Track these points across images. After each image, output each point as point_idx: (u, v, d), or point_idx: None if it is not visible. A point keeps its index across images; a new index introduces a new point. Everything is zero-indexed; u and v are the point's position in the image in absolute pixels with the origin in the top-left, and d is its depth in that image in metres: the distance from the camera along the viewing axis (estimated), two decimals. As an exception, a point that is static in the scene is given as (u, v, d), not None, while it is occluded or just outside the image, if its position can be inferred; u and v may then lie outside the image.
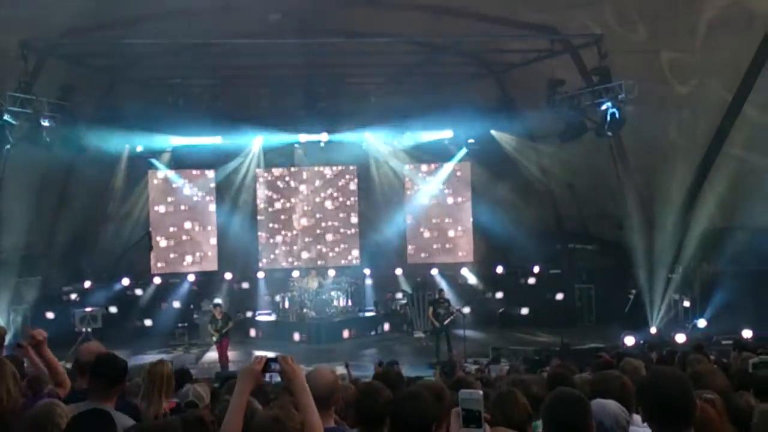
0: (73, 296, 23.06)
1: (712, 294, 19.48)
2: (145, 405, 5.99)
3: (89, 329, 21.29)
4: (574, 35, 20.11)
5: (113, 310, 23.30)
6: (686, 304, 20.83)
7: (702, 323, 19.14)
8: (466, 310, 22.93)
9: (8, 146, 18.75)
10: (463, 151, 25.89)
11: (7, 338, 6.36)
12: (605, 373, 5.49)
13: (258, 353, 19.40)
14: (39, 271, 23.10)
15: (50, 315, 22.02)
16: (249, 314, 24.59)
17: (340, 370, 12.88)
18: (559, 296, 24.92)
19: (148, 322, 23.78)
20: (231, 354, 19.82)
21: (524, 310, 25.01)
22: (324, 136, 25.09)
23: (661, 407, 3.52)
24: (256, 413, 3.90)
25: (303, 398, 4.12)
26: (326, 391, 4.53)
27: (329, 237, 26.59)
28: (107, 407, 4.72)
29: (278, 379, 4.33)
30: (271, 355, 4.28)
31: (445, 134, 25.60)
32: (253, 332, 23.74)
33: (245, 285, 25.55)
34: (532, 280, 25.51)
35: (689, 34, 17.16)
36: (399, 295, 25.46)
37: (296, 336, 22.79)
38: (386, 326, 24.39)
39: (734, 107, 17.31)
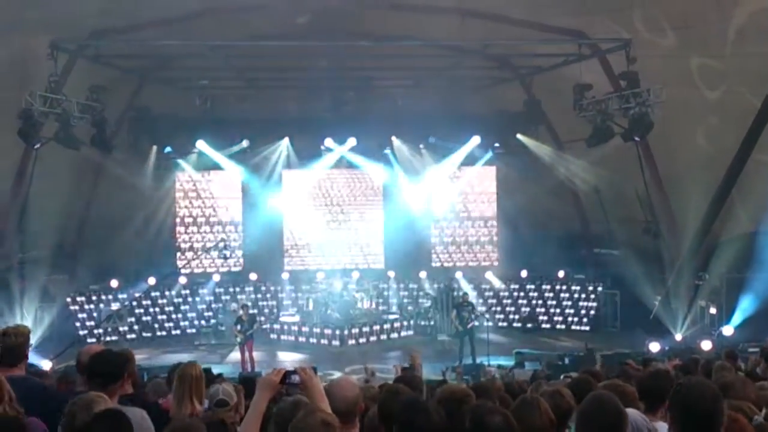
0: (101, 295, 23.27)
1: (738, 301, 19.33)
2: (176, 405, 6.04)
3: (115, 328, 21.50)
4: (602, 39, 20.04)
5: (139, 309, 23.47)
6: (712, 311, 20.67)
7: (728, 330, 18.98)
8: (489, 314, 22.93)
9: (38, 146, 18.98)
10: (489, 155, 25.83)
11: (34, 339, 6.45)
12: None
13: (281, 355, 19.53)
14: (67, 269, 23.35)
15: (77, 313, 22.32)
16: (273, 316, 24.62)
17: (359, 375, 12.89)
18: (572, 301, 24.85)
19: (173, 322, 23.93)
20: (255, 354, 19.87)
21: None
22: (351, 141, 25.15)
23: (690, 417, 3.52)
24: (303, 415, 3.91)
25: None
26: (348, 406, 4.49)
27: (354, 239, 26.63)
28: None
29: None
30: (290, 366, 4.33)
31: (471, 138, 25.54)
32: (277, 334, 23.78)
33: (270, 286, 25.61)
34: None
35: (718, 40, 17.07)
36: (423, 299, 25.42)
37: (320, 338, 22.81)
38: (410, 329, 24.37)
39: (763, 113, 17.14)
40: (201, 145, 24.57)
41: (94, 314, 22.88)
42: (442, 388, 5.16)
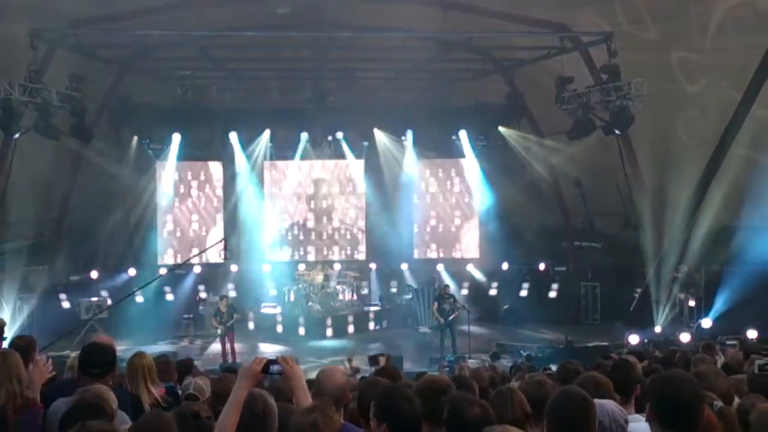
0: (81, 285, 23.12)
1: (717, 294, 19.46)
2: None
3: (94, 319, 21.34)
4: (583, 33, 20.12)
5: (118, 300, 23.32)
6: (691, 303, 20.81)
7: (707, 323, 19.11)
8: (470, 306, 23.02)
9: (17, 135, 18.84)
10: (471, 147, 25.83)
11: (9, 330, 6.45)
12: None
13: (262, 347, 19.45)
14: (46, 260, 23.21)
15: (58, 304, 22.19)
16: (254, 307, 24.55)
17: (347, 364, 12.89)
18: (552, 294, 24.89)
19: (152, 313, 23.79)
20: (236, 346, 19.82)
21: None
22: (332, 132, 25.12)
23: (669, 409, 3.53)
24: (294, 414, 3.93)
25: (302, 398, 4.20)
26: (337, 393, 4.57)
27: (335, 231, 26.62)
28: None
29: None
30: (271, 356, 4.34)
31: (456, 131, 25.56)
32: (258, 325, 23.74)
33: (251, 277, 25.52)
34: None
35: (699, 33, 17.16)
36: (404, 291, 25.45)
37: (301, 329, 22.80)
38: (391, 321, 24.40)
39: (743, 107, 17.24)
40: (181, 134, 24.45)
41: (75, 306, 22.73)
42: (422, 378, 5.18)
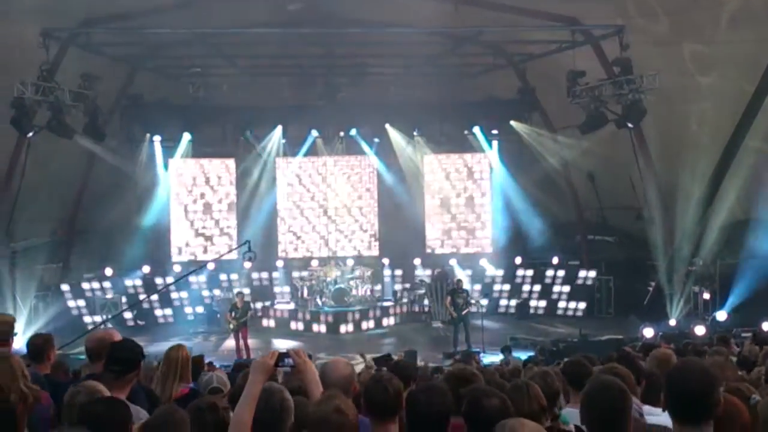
0: (95, 283, 23.23)
1: (731, 286, 19.40)
2: (159, 389, 6.06)
3: (109, 316, 21.45)
4: (595, 26, 20.05)
5: (133, 297, 23.42)
6: (706, 296, 20.74)
7: (722, 316, 19.04)
8: (484, 301, 23.00)
9: (31, 134, 18.93)
10: (483, 141, 25.79)
11: (28, 329, 6.50)
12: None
13: (276, 342, 19.53)
14: (60, 258, 23.35)
15: (73, 301, 22.32)
16: (267, 303, 24.62)
17: (359, 359, 12.94)
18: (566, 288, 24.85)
19: (167, 310, 23.92)
20: (250, 342, 19.90)
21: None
22: (344, 128, 25.16)
23: (681, 400, 3.53)
24: (310, 405, 3.95)
25: (315, 392, 4.23)
26: (343, 384, 4.59)
27: (349, 227, 26.64)
28: (121, 396, 4.75)
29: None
30: (283, 349, 4.37)
31: (465, 125, 25.55)
32: (271, 322, 23.80)
33: (264, 274, 25.60)
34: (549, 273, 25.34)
35: (711, 25, 17.08)
36: (417, 286, 25.44)
37: (314, 326, 22.84)
38: (404, 316, 24.42)
39: (755, 99, 17.19)
40: (194, 132, 24.60)
41: (90, 303, 22.86)
42: (450, 369, 5.19)
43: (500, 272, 25.78)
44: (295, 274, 24.96)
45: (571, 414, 4.62)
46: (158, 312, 23.75)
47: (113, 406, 4.07)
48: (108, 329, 7.04)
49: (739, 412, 4.34)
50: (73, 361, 11.34)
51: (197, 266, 24.51)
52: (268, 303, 24.63)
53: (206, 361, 10.49)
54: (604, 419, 3.72)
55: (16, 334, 6.10)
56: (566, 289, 24.80)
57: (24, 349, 6.26)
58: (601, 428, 3.72)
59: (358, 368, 10.14)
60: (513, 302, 25.12)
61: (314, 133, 25.43)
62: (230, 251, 23.69)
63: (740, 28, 16.73)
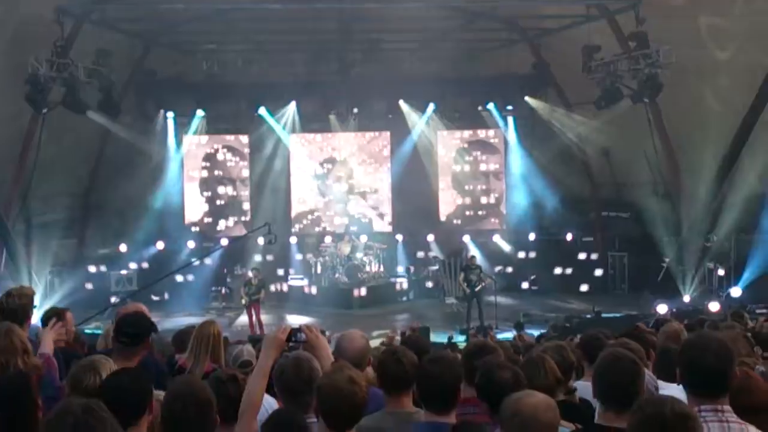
0: (109, 259, 23.38)
1: (746, 263, 19.33)
2: (192, 364, 6.10)
3: (123, 292, 21.60)
4: (610, 0, 19.86)
5: (147, 273, 23.51)
6: (720, 272, 20.68)
7: (736, 292, 18.99)
8: (497, 275, 23.02)
9: (45, 110, 18.97)
10: (497, 117, 25.67)
11: (45, 304, 6.51)
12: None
13: (289, 318, 19.62)
14: (75, 234, 23.47)
15: (88, 277, 22.46)
16: (281, 279, 24.68)
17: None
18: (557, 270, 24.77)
19: (181, 284, 23.98)
20: (263, 318, 20.01)
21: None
22: (358, 103, 25.10)
23: (696, 373, 3.52)
24: (325, 373, 3.95)
25: (326, 366, 4.24)
26: (358, 355, 4.62)
27: (362, 202, 26.63)
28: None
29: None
30: (296, 325, 4.41)
31: (479, 101, 25.44)
32: (284, 297, 23.89)
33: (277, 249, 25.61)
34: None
35: (728, -2, 16.89)
36: (430, 262, 25.46)
37: (327, 301, 22.91)
38: (417, 292, 24.46)
39: (773, 74, 17.04)
40: (207, 107, 24.59)
41: (106, 278, 23.00)
42: (470, 342, 5.21)
43: (513, 248, 25.69)
44: (310, 250, 25.01)
45: (585, 388, 4.63)
46: (171, 287, 23.82)
47: (131, 378, 4.04)
48: (135, 303, 7.08)
49: (756, 386, 4.31)
50: (89, 337, 11.44)
51: (211, 243, 24.64)
52: (281, 279, 24.70)
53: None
54: (615, 391, 3.71)
55: (36, 307, 6.15)
56: (580, 265, 24.74)
57: (39, 323, 6.31)
58: (613, 399, 3.71)
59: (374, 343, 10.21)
60: (526, 278, 25.03)
61: (334, 103, 25.36)
62: (250, 232, 23.74)
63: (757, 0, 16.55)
